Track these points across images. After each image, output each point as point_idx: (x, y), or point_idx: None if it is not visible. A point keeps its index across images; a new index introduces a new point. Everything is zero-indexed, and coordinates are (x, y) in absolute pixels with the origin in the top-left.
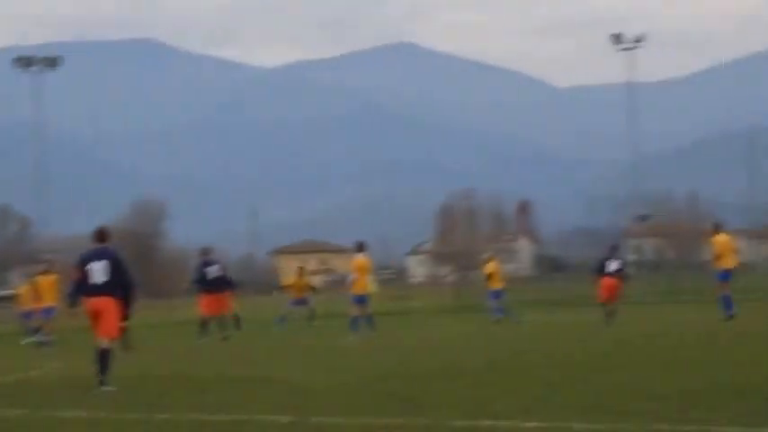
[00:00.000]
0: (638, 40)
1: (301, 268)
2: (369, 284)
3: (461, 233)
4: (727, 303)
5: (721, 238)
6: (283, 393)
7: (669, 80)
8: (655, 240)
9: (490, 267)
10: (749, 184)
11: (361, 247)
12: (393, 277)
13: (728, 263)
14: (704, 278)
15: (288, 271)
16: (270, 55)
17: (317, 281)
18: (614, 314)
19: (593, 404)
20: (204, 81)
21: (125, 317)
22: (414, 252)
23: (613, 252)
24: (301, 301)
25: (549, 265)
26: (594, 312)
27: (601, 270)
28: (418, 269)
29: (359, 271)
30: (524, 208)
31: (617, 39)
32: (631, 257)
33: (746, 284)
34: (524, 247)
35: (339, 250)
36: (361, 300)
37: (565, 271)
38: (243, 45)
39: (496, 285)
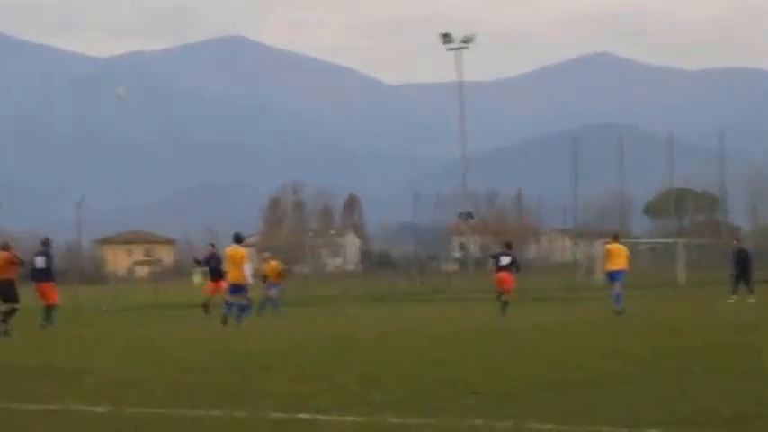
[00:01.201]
0: (467, 41)
1: None
2: (244, 274)
3: (289, 226)
4: (616, 298)
5: (613, 246)
6: (100, 384)
7: (498, 81)
8: (480, 238)
9: (275, 266)
10: (573, 185)
11: (237, 239)
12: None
13: (618, 265)
14: (529, 276)
15: (114, 261)
16: (101, 46)
17: (143, 272)
18: (507, 304)
19: (412, 399)
20: (34, 71)
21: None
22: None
23: (506, 248)
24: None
25: (375, 261)
26: (415, 307)
27: (496, 264)
28: None
29: (238, 261)
30: (352, 203)
31: (446, 38)
32: (456, 255)
33: (568, 283)
34: (351, 243)
35: (165, 241)
36: (237, 289)
37: (390, 267)
38: (75, 35)
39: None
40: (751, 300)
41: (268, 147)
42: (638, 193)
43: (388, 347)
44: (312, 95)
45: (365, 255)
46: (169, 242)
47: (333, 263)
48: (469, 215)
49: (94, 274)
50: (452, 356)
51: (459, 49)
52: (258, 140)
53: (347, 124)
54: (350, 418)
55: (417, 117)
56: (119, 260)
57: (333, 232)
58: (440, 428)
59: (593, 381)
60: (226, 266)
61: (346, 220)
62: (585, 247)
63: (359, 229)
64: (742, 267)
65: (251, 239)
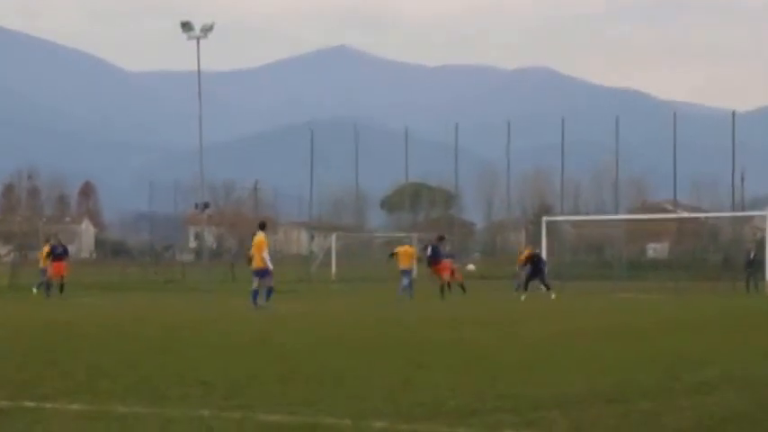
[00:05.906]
0: (206, 29)
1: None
2: (266, 260)
3: (23, 213)
4: (402, 290)
5: (402, 248)
6: None
7: (238, 71)
8: (216, 229)
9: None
10: (310, 177)
11: (262, 226)
12: None
13: (403, 265)
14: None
15: None
16: None
17: None
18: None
19: (139, 388)
20: None
21: None
22: None
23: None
24: None
25: (110, 249)
26: (147, 296)
27: None
28: None
29: (258, 247)
30: (88, 190)
31: (186, 26)
32: (192, 245)
33: (303, 276)
34: (86, 230)
35: None
36: (261, 273)
37: (125, 255)
38: None
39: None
40: (552, 295)
41: (1, 132)
42: (375, 187)
43: (117, 336)
44: (49, 80)
45: (100, 243)
46: None
47: (70, 251)
48: (206, 205)
49: None
50: (181, 346)
51: (198, 38)
52: None
53: (84, 110)
54: (75, 407)
55: (156, 105)
56: None
57: (68, 219)
58: (166, 418)
59: (320, 372)
60: (252, 252)
61: (82, 207)
62: (321, 239)
63: (95, 217)
64: (535, 269)
65: None
